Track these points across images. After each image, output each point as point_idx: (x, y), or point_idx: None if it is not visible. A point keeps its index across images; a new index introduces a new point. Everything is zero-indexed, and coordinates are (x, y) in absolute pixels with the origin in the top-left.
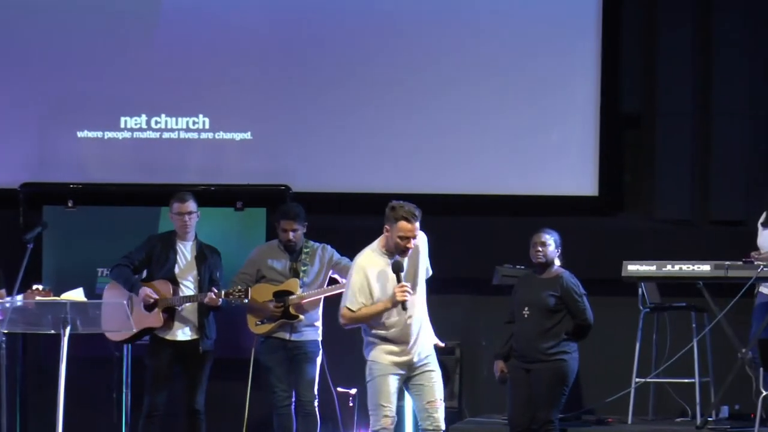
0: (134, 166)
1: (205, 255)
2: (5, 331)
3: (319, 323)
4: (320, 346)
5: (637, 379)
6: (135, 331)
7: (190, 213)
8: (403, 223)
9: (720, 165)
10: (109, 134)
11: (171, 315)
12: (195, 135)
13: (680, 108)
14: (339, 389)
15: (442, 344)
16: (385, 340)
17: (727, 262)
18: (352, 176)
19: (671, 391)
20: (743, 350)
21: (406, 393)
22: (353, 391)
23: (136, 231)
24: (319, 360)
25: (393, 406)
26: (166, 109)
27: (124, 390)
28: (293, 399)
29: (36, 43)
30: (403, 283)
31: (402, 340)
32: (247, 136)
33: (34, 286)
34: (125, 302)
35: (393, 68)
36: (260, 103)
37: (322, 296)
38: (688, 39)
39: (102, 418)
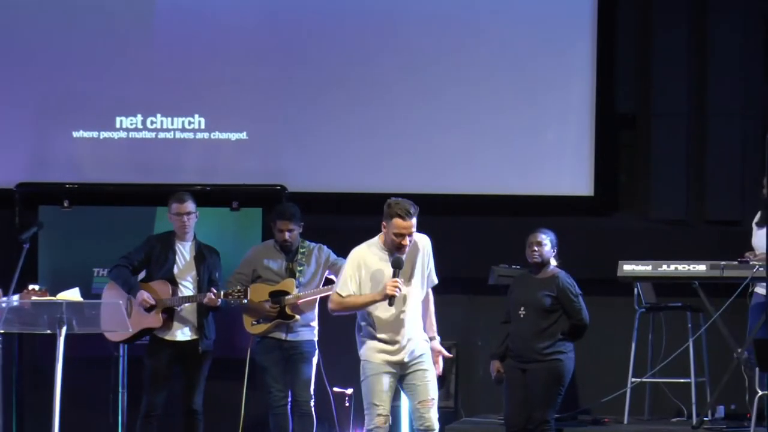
0: (130, 166)
1: (204, 255)
2: (1, 331)
3: (315, 323)
4: (316, 346)
5: (633, 379)
6: (132, 331)
7: (188, 213)
8: (397, 220)
9: (715, 165)
10: (104, 134)
11: (170, 315)
12: (191, 135)
13: (675, 108)
14: (335, 389)
15: (449, 355)
16: (377, 338)
17: (723, 262)
18: (348, 176)
19: (667, 391)
20: (739, 350)
21: (402, 393)
22: (349, 391)
23: (132, 231)
24: (315, 360)
25: (386, 405)
26: (161, 109)
27: (120, 390)
28: (289, 399)
29: (31, 43)
30: (397, 279)
31: (393, 338)
32: (243, 136)
33: (30, 286)
34: (121, 302)
35: (388, 68)
36: (256, 103)
37: (318, 296)
38: (683, 40)
39: (99, 419)
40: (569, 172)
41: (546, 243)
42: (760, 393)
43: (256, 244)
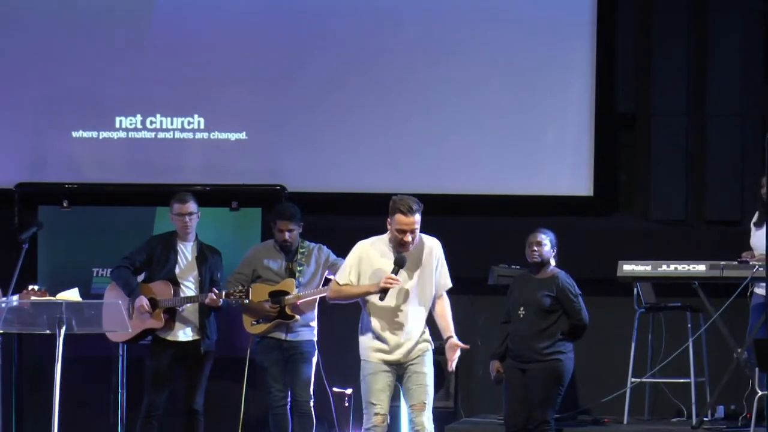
0: (129, 166)
1: (205, 255)
2: (1, 332)
3: (314, 323)
4: (316, 346)
5: (633, 379)
6: (131, 331)
7: (190, 214)
8: (399, 216)
9: (714, 165)
10: (104, 134)
11: (172, 316)
12: (190, 135)
13: (675, 108)
14: (335, 389)
15: (466, 346)
16: (375, 337)
17: (723, 262)
18: (348, 176)
19: (667, 391)
20: (739, 350)
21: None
22: (349, 391)
23: (131, 231)
24: (314, 360)
25: (383, 404)
26: (161, 109)
27: (120, 390)
28: (289, 399)
29: (31, 43)
30: (395, 276)
31: (390, 337)
32: (243, 136)
33: (30, 287)
34: (121, 302)
35: (388, 69)
36: (255, 103)
37: (318, 296)
38: (682, 40)
39: (99, 419)
40: (569, 172)
41: (546, 243)
42: (760, 393)
43: (256, 244)
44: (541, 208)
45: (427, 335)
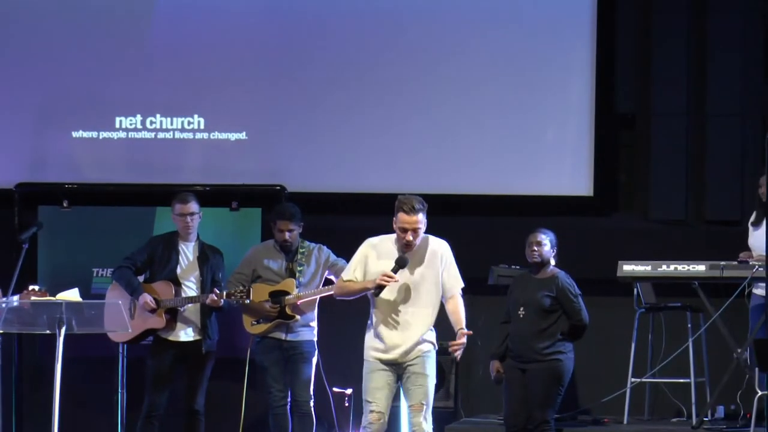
0: (129, 167)
1: (207, 256)
2: (1, 332)
3: (314, 323)
4: (316, 347)
5: (633, 379)
6: (131, 331)
7: (192, 214)
8: (401, 215)
9: (714, 165)
10: (104, 134)
11: (173, 316)
12: (190, 135)
13: (675, 108)
14: (335, 389)
15: (469, 332)
16: (375, 336)
17: (723, 262)
18: (348, 176)
19: (667, 391)
20: (738, 350)
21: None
22: (349, 391)
23: (131, 231)
24: (314, 360)
25: (380, 402)
26: (161, 109)
27: (120, 390)
28: (289, 399)
29: (30, 43)
30: (393, 274)
31: (388, 337)
32: (243, 136)
33: (30, 287)
34: (121, 302)
35: (388, 69)
36: (255, 103)
37: (318, 297)
38: (682, 39)
39: (99, 419)
40: (569, 172)
41: (546, 243)
42: (760, 393)
43: (256, 244)
44: (541, 208)
45: (431, 336)
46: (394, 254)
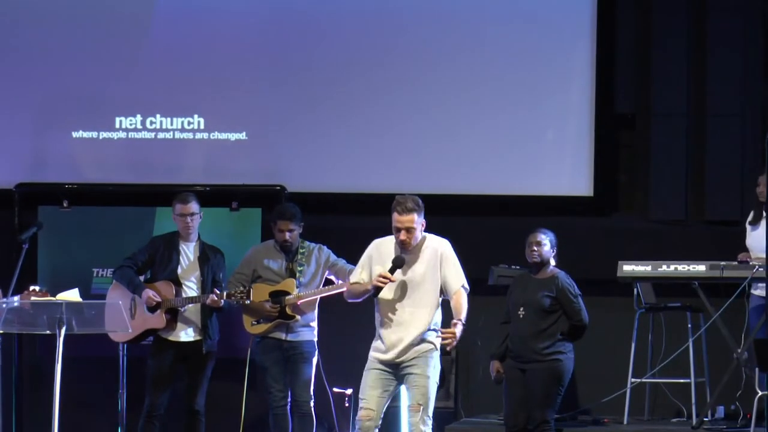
0: (129, 167)
1: (208, 256)
2: (1, 332)
3: (314, 323)
4: (316, 347)
5: (633, 380)
6: (131, 332)
7: (192, 214)
8: (395, 214)
9: (714, 165)
10: (104, 134)
11: (174, 316)
12: (190, 135)
13: (675, 108)
14: (335, 389)
15: (463, 322)
16: (378, 334)
17: (723, 263)
18: (348, 177)
19: (667, 391)
20: (738, 350)
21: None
22: (349, 391)
23: (131, 231)
24: (314, 360)
25: (371, 400)
26: (161, 109)
27: (120, 390)
28: (289, 399)
29: (30, 43)
30: (389, 274)
31: (387, 337)
32: (243, 136)
33: (31, 287)
34: (121, 303)
35: (388, 69)
36: (255, 103)
37: (318, 297)
38: (682, 40)
39: (99, 419)
40: (569, 172)
41: (545, 243)
42: (760, 393)
43: (256, 244)
44: (541, 208)
45: (431, 337)
46: (394, 255)
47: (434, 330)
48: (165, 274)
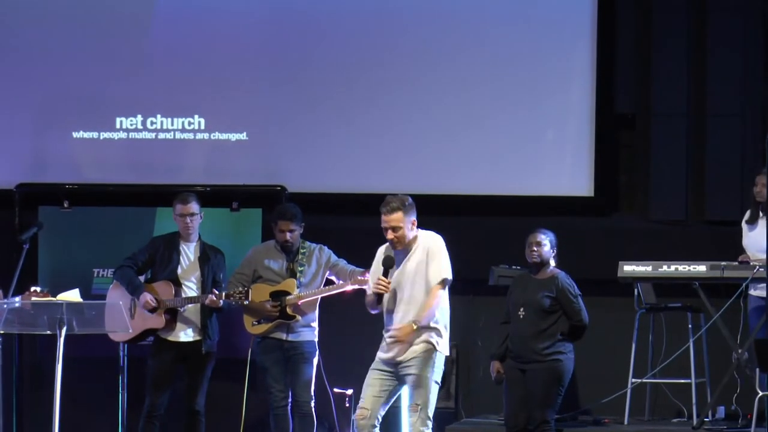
0: (130, 167)
1: (208, 256)
2: (1, 332)
3: (315, 324)
4: (317, 347)
5: (634, 380)
6: (131, 332)
7: (192, 214)
8: (382, 215)
9: (714, 165)
10: (104, 135)
11: (173, 316)
12: (191, 135)
13: (675, 109)
14: (335, 390)
15: (413, 325)
16: (383, 334)
17: (723, 263)
18: (348, 177)
19: (667, 391)
20: (739, 351)
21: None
22: (349, 391)
23: (131, 231)
24: (315, 360)
25: (367, 400)
26: (161, 109)
27: (121, 390)
28: (290, 399)
29: (31, 43)
30: (385, 278)
31: (388, 336)
32: (243, 136)
33: (32, 288)
34: (122, 303)
35: (389, 69)
36: (256, 103)
37: (319, 297)
38: (682, 40)
39: (99, 419)
40: (569, 172)
41: (545, 243)
42: (761, 394)
43: (256, 244)
44: (541, 208)
45: (429, 336)
46: (393, 256)
47: (435, 331)
48: (165, 274)
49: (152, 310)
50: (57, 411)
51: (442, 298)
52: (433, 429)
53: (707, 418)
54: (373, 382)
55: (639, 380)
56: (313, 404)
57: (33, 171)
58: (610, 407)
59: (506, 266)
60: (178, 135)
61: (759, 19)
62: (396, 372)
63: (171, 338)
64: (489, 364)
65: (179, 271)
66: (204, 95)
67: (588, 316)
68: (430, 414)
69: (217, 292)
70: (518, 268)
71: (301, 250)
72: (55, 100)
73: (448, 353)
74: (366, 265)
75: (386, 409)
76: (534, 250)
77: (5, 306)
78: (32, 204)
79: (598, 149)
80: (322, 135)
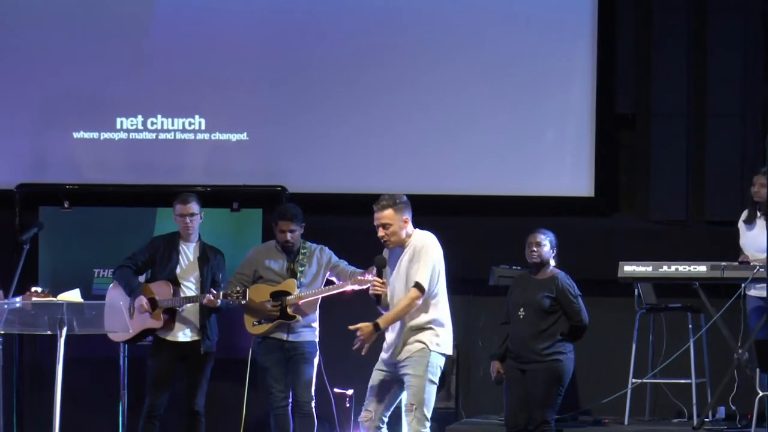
0: (130, 167)
1: (207, 256)
2: (2, 332)
3: (316, 324)
4: (317, 347)
5: (634, 380)
6: (132, 332)
7: (192, 215)
8: (374, 213)
9: (714, 166)
10: (105, 135)
11: (172, 316)
12: (191, 136)
13: (675, 109)
14: (336, 390)
15: (368, 326)
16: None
17: (723, 263)
18: (348, 177)
19: (668, 391)
20: (740, 351)
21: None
22: (350, 391)
23: (132, 232)
24: (316, 361)
25: (370, 402)
26: (162, 109)
27: (121, 390)
28: (290, 400)
29: (32, 43)
30: (378, 279)
31: (387, 336)
32: (243, 136)
33: (33, 288)
34: (122, 303)
35: (388, 69)
36: (256, 104)
37: (320, 297)
38: (682, 40)
39: (100, 419)
40: (569, 172)
41: (545, 243)
42: (761, 394)
43: (257, 244)
44: (542, 209)
45: (423, 336)
46: (395, 256)
47: (430, 330)
48: (164, 274)
49: (148, 313)
50: (57, 411)
51: (416, 301)
52: (432, 429)
53: (707, 418)
54: (375, 382)
55: (639, 380)
56: (313, 404)
57: (33, 171)
58: (610, 407)
59: (506, 266)
60: (179, 135)
61: (759, 19)
62: (395, 372)
63: (170, 338)
64: (489, 365)
65: (178, 270)
66: (204, 95)
67: (588, 317)
68: (427, 414)
69: (215, 292)
70: (518, 268)
71: (302, 251)
72: (55, 100)
73: (449, 352)
74: (366, 265)
75: (391, 409)
76: (534, 251)
77: (6, 306)
78: (33, 204)
79: (598, 149)
80: (323, 135)
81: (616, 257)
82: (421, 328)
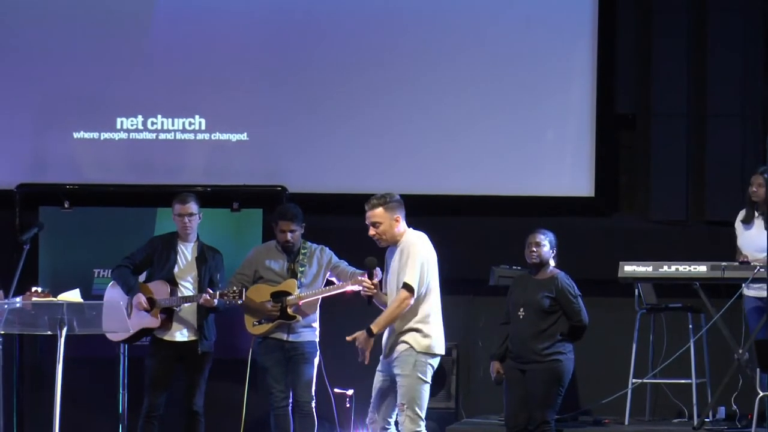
0: (130, 167)
1: (206, 256)
2: (2, 332)
3: (316, 324)
4: (317, 347)
5: (634, 380)
6: (131, 331)
7: (190, 214)
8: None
9: (715, 166)
10: (105, 135)
11: (169, 316)
12: (191, 136)
13: (675, 109)
14: (336, 390)
15: (362, 333)
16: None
17: (724, 263)
18: (349, 177)
19: (668, 392)
20: (740, 351)
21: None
22: (350, 391)
23: (132, 232)
24: (316, 361)
25: (373, 403)
26: (162, 109)
27: (120, 391)
28: (290, 400)
29: (32, 43)
30: (367, 279)
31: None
32: (244, 137)
33: (33, 288)
34: (122, 303)
35: (388, 69)
36: (257, 104)
37: (320, 297)
38: (682, 40)
39: (100, 419)
40: (569, 172)
41: (545, 244)
42: (762, 394)
43: (257, 245)
44: (542, 209)
45: (408, 336)
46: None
47: (416, 331)
48: (162, 273)
49: (146, 311)
50: (57, 411)
51: (406, 302)
52: (432, 429)
53: (708, 418)
54: (376, 384)
55: (639, 380)
56: (313, 404)
57: (33, 171)
58: (610, 407)
59: (506, 266)
60: (179, 135)
61: (759, 19)
62: (390, 372)
63: (167, 338)
64: (489, 365)
65: (176, 270)
66: (204, 95)
67: (588, 317)
68: (420, 412)
69: (211, 291)
70: (518, 268)
71: (302, 251)
72: (55, 100)
73: (440, 351)
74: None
75: (396, 409)
76: (533, 251)
77: (6, 306)
78: (33, 204)
79: (598, 149)
80: (322, 135)
81: (616, 257)
82: (408, 329)
